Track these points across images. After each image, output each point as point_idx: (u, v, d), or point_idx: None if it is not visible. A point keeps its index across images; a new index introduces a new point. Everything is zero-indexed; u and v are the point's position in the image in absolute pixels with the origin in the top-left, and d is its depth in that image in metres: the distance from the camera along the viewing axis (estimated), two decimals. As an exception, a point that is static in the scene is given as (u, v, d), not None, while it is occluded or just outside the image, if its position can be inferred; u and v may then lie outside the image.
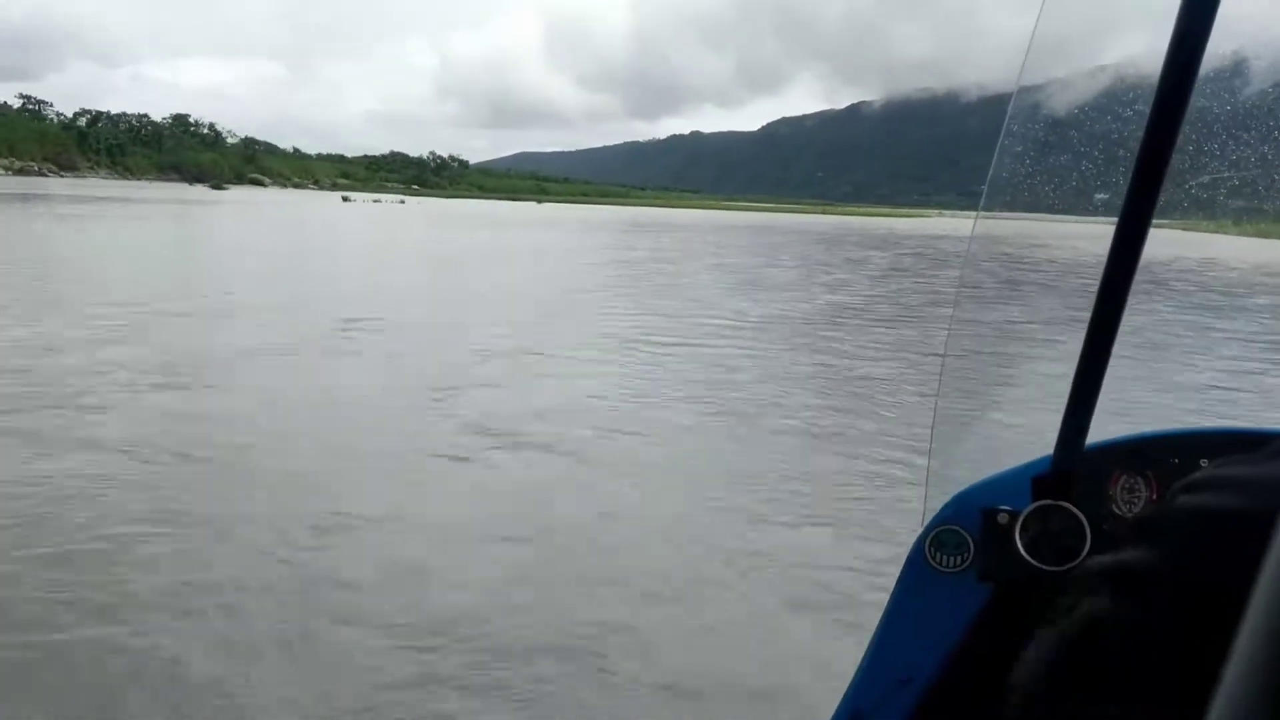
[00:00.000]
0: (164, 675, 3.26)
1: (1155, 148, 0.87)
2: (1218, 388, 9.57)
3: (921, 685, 1.14)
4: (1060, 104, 1.44)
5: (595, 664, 3.51)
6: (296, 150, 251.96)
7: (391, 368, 9.32)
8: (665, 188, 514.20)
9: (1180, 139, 0.87)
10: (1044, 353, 10.71)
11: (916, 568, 1.16)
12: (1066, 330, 10.85)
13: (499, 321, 13.21)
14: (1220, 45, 0.84)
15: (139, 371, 8.31)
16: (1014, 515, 1.10)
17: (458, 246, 34.24)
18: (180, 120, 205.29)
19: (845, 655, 2.80)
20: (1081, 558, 1.07)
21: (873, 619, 1.20)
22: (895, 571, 1.18)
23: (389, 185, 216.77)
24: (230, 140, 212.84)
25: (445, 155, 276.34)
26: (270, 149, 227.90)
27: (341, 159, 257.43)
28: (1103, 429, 1.11)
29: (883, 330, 13.67)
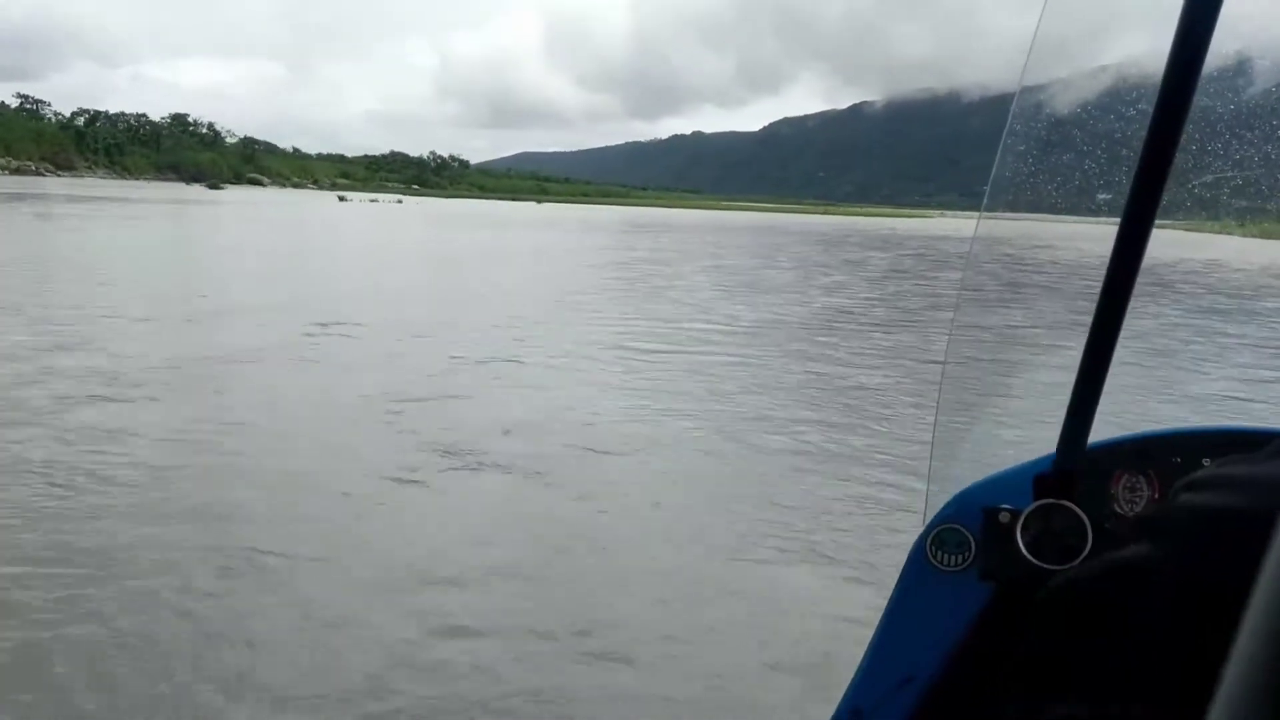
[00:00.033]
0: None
1: (1158, 147, 0.86)
2: (1233, 398, 9.02)
3: (922, 684, 1.13)
4: (1063, 103, 1.42)
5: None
6: (296, 150, 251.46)
7: (356, 377, 8.75)
8: (666, 188, 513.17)
9: (1183, 138, 0.86)
10: (1046, 354, 10.43)
11: (917, 566, 1.15)
12: (1069, 334, 10.45)
13: (480, 326, 12.66)
14: (1223, 44, 0.82)
15: (80, 382, 7.75)
16: (1015, 514, 1.10)
17: (450, 247, 33.69)
18: (179, 120, 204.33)
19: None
20: (1083, 557, 1.06)
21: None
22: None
23: (389, 185, 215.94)
24: (229, 140, 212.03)
25: (446, 155, 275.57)
26: (270, 149, 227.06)
27: (342, 159, 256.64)
28: (1110, 436, 1.12)
29: (880, 335, 13.09)
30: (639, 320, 13.70)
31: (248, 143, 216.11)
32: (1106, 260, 0.93)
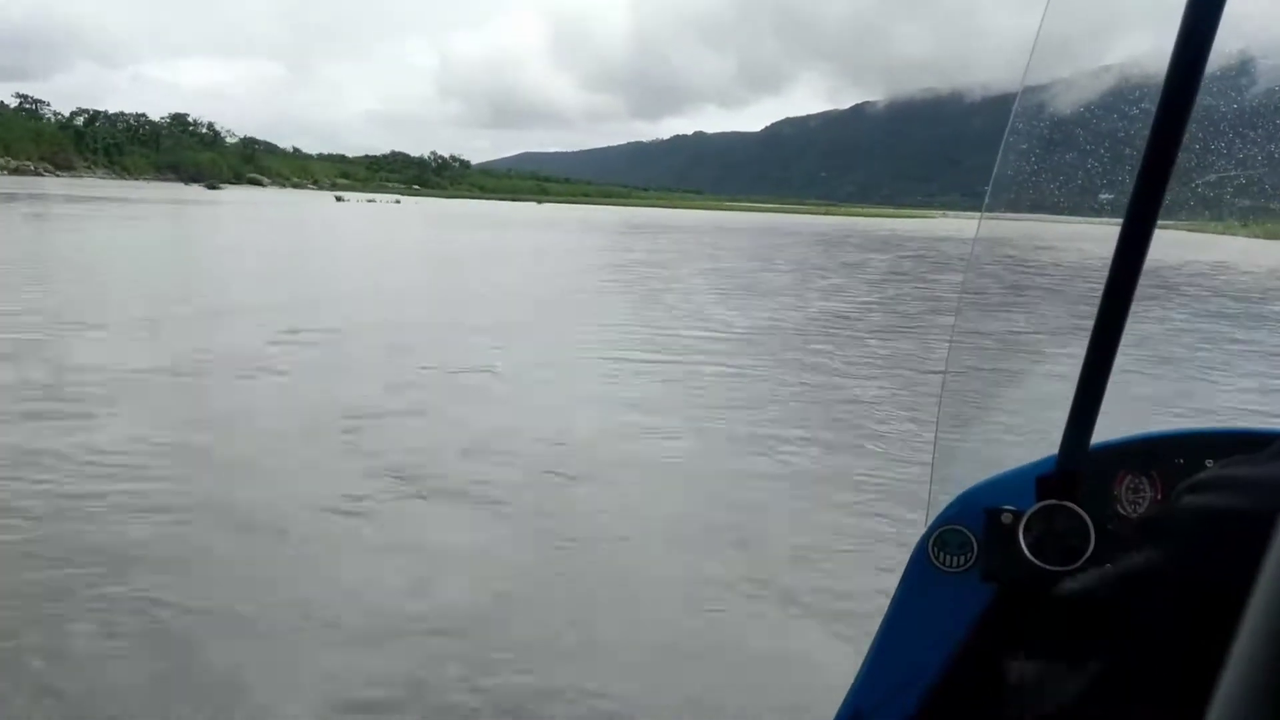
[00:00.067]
0: None
1: (1161, 147, 0.86)
2: (1248, 410, 8.47)
3: (924, 685, 1.12)
4: (1065, 103, 1.41)
5: None
6: (296, 150, 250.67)
7: (314, 390, 8.21)
8: (668, 188, 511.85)
9: (1186, 138, 0.85)
10: (1049, 354, 10.14)
11: (920, 567, 1.14)
12: (1071, 335, 9.96)
13: (459, 330, 12.14)
14: (1226, 44, 0.81)
15: (13, 397, 7.22)
16: (1018, 515, 1.08)
17: (446, 249, 33.17)
18: (179, 120, 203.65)
19: None
20: (1085, 558, 1.03)
21: None
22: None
23: (389, 185, 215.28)
24: (229, 140, 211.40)
25: (447, 155, 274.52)
26: (270, 149, 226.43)
27: (342, 159, 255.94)
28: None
29: (877, 343, 12.54)
30: (628, 327, 13.16)
31: (248, 143, 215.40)
32: (1109, 260, 0.93)
